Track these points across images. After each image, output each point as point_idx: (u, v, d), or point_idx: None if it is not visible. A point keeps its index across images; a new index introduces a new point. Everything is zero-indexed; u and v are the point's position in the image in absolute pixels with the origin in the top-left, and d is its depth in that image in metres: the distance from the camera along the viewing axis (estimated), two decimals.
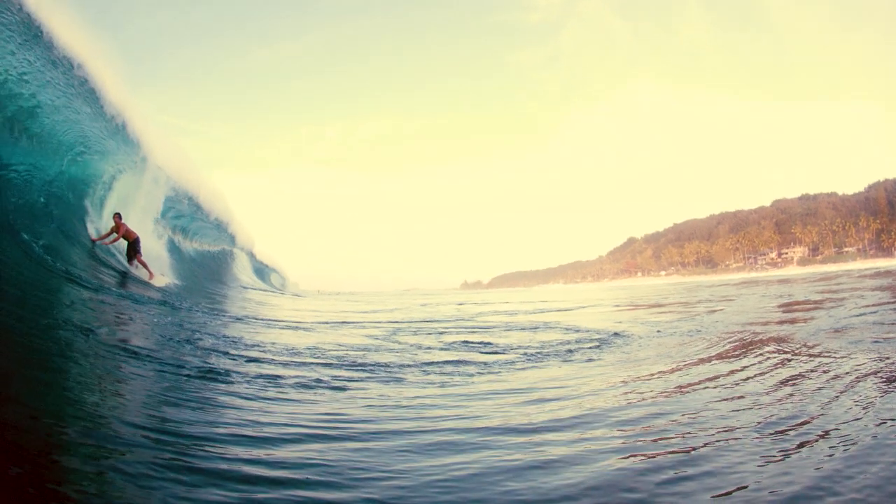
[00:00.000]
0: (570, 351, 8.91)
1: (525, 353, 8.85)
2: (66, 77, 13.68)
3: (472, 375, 7.29)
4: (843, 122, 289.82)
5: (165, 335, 9.08)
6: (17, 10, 11.27)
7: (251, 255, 36.50)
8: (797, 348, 7.47)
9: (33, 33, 12.02)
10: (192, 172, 24.46)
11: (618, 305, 21.61)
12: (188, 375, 6.67)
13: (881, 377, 5.36)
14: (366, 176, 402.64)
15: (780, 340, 8.25)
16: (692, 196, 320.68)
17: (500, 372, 7.49)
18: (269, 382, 6.79)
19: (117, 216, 15.85)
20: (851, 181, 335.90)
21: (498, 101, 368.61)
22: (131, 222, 16.40)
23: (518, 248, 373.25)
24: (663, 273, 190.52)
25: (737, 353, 7.65)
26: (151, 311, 11.14)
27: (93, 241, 15.52)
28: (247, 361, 7.99)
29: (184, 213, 24.59)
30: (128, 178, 18.36)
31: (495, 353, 9.10)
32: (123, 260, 16.19)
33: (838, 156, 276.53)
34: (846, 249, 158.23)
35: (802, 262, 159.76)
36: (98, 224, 16.48)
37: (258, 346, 9.65)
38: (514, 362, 8.13)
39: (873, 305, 11.82)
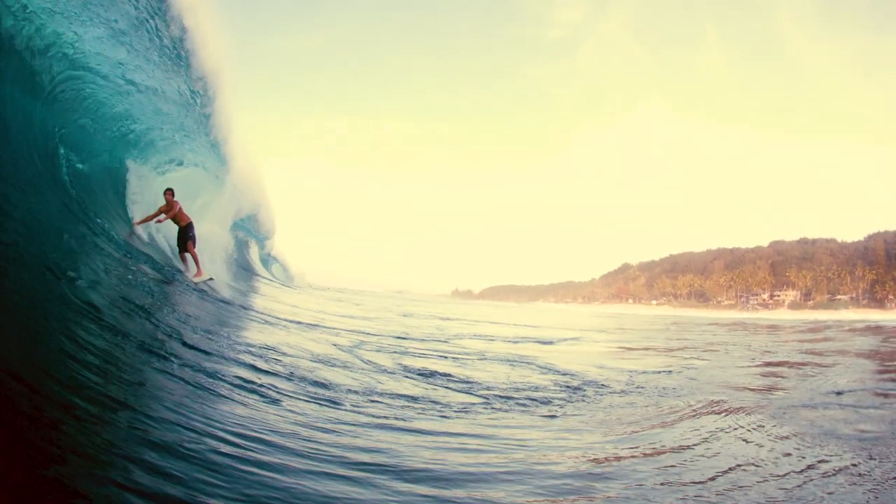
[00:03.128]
0: (534, 400, 8.71)
1: (486, 397, 8.70)
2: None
3: (414, 414, 7.23)
4: (849, 167, 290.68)
5: (117, 296, 9.06)
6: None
7: (262, 247, 36.52)
8: (760, 427, 7.36)
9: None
10: (259, 190, 25.71)
11: (600, 342, 21.42)
12: (113, 342, 6.88)
13: (829, 488, 5.17)
14: (369, 174, 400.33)
15: (747, 413, 8.16)
16: (691, 228, 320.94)
17: (449, 414, 7.44)
18: (204, 375, 7.01)
19: (169, 192, 14.34)
20: (852, 229, 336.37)
21: (508, 113, 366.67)
22: (201, 229, 15.43)
23: (511, 261, 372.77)
24: (654, 303, 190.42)
25: (699, 424, 7.55)
26: (129, 272, 11.04)
27: (134, 224, 14.35)
28: (184, 346, 8.12)
29: (241, 218, 25.89)
30: (205, 189, 18.42)
31: (457, 390, 8.97)
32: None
33: (841, 201, 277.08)
34: (839, 297, 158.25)
35: (794, 306, 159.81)
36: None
37: (210, 333, 9.78)
38: (471, 406, 8.00)
39: (854, 381, 11.59)
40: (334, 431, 5.96)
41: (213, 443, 4.86)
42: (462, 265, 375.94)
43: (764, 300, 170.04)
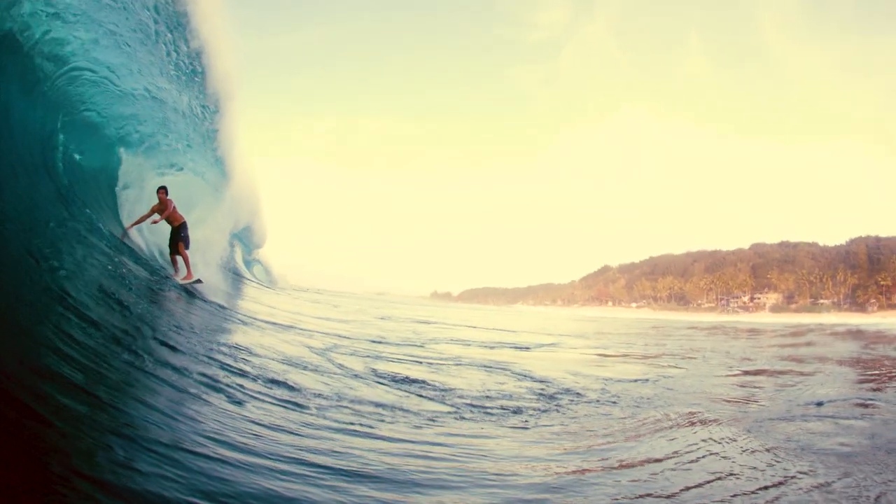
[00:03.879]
0: (506, 409, 8.70)
1: (458, 405, 8.66)
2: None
3: (382, 420, 7.28)
4: (832, 171, 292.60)
5: (95, 288, 9.10)
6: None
7: (248, 252, 36.60)
8: (735, 441, 7.31)
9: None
10: (255, 202, 26.91)
11: (577, 348, 21.33)
12: (84, 332, 6.97)
13: None
14: (348, 174, 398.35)
15: (722, 426, 8.12)
16: (671, 230, 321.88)
17: (418, 422, 7.45)
18: (171, 371, 7.20)
19: (162, 191, 13.71)
20: (834, 233, 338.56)
21: (490, 115, 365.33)
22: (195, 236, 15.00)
23: (491, 263, 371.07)
24: (634, 305, 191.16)
25: (672, 437, 7.53)
26: (110, 263, 11.12)
27: (127, 228, 13.84)
28: (154, 341, 8.30)
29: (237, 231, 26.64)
30: (204, 199, 18.42)
31: (428, 398, 8.96)
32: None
33: (823, 206, 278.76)
34: (821, 301, 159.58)
35: (775, 308, 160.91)
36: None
37: (183, 330, 9.81)
38: (441, 414, 8.01)
39: (835, 391, 11.54)
40: (297, 434, 6.07)
41: (174, 437, 4.99)
42: (441, 267, 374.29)
43: (745, 303, 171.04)
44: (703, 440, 7.27)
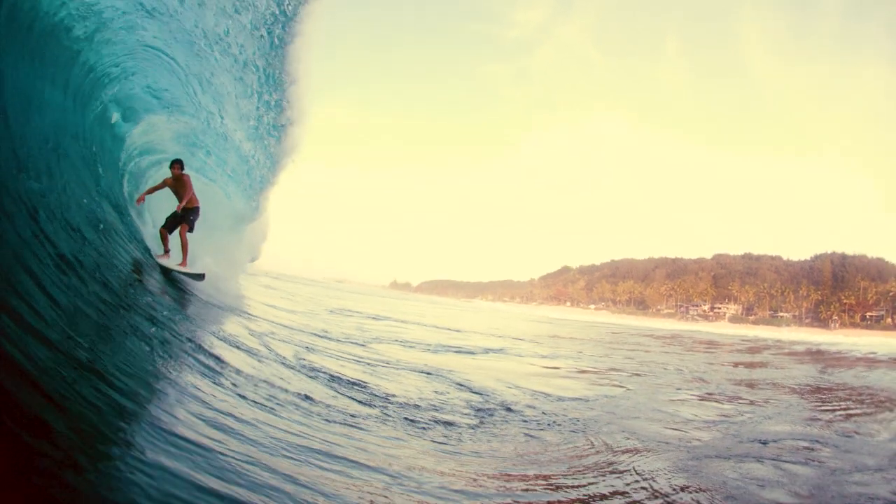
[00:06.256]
0: (432, 420, 8.61)
1: (382, 409, 8.64)
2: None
3: (290, 407, 7.38)
4: (801, 188, 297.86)
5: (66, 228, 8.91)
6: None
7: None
8: (654, 480, 6.96)
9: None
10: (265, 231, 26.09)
11: (524, 356, 21.05)
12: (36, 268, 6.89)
13: None
14: (315, 165, 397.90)
15: (650, 458, 7.89)
16: (634, 236, 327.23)
17: (332, 417, 7.53)
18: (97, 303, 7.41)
19: (178, 165, 12.07)
20: (798, 248, 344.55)
21: (459, 110, 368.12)
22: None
23: (452, 256, 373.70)
24: (593, 307, 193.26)
25: (592, 468, 7.28)
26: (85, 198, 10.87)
27: (139, 197, 12.41)
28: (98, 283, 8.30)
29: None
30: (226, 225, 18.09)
31: (351, 397, 9.00)
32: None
33: (789, 220, 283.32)
34: (781, 314, 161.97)
35: (734, 319, 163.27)
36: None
37: (122, 284, 9.75)
38: (358, 415, 8.02)
39: (782, 428, 11.19)
40: (202, 391, 6.48)
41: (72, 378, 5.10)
42: (402, 257, 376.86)
43: (704, 311, 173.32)
44: (620, 474, 7.04)
